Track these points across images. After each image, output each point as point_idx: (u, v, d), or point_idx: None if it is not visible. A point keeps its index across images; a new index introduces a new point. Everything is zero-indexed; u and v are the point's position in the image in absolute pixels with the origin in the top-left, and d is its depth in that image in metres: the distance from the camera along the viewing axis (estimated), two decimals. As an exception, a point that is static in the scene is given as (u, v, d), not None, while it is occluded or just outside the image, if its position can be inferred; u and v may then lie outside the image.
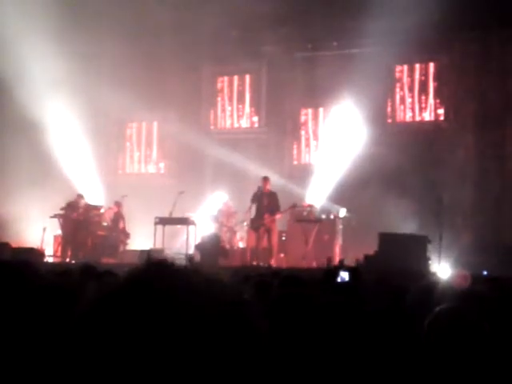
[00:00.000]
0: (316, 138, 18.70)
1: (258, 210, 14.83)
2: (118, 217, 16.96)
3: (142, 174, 20.55)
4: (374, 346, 1.88)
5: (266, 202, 14.78)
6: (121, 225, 16.87)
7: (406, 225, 13.95)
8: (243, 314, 1.07)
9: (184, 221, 16.12)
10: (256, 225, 14.81)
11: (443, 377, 1.93)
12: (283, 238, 15.64)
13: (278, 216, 14.81)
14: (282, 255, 15.41)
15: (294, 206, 15.14)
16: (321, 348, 1.82)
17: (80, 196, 17.15)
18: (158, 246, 15.57)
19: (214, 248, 15.07)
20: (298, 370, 1.81)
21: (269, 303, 2.28)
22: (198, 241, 15.68)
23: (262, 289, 3.96)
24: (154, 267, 1.11)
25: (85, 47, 17.83)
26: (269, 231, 14.74)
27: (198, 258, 15.13)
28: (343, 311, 1.90)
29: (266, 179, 15.01)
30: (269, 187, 14.92)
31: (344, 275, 4.48)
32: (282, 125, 18.80)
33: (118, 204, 17.00)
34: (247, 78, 19.50)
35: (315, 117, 18.73)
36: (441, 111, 17.44)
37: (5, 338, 1.65)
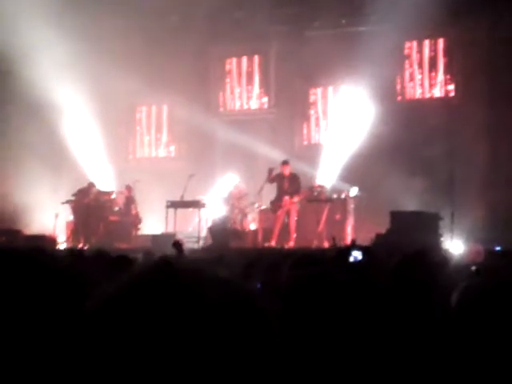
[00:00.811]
0: (326, 117, 18.63)
1: (277, 192, 14.95)
2: (129, 201, 16.99)
3: (152, 158, 20.55)
4: (390, 323, 1.86)
5: (286, 185, 14.85)
6: (132, 209, 16.90)
7: (418, 202, 13.90)
8: (249, 314, 1.06)
9: (195, 204, 16.14)
10: (274, 207, 14.87)
11: (472, 353, 1.91)
12: (294, 219, 15.65)
13: (296, 199, 14.84)
14: (293, 236, 15.41)
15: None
16: (336, 327, 1.80)
17: (91, 184, 17.21)
18: (170, 229, 15.60)
19: (225, 230, 15.10)
20: (312, 352, 1.79)
21: (280, 284, 2.27)
22: (210, 223, 15.72)
23: (274, 270, 3.95)
24: (156, 270, 1.10)
25: (94, 31, 17.79)
26: (288, 213, 14.80)
27: (209, 240, 15.19)
28: (357, 289, 1.88)
29: (284, 163, 15.05)
30: (288, 171, 14.93)
31: (356, 254, 4.46)
32: (291, 105, 18.73)
33: (128, 188, 17.04)
34: (256, 58, 19.41)
35: (324, 96, 18.64)
36: (451, 87, 17.32)
37: (15, 326, 1.64)
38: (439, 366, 1.98)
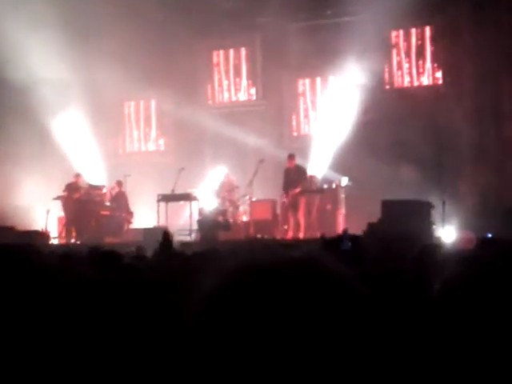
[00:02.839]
0: (314, 108, 18.63)
1: (284, 185, 15.27)
2: (121, 196, 16.97)
3: (142, 152, 20.53)
4: (375, 314, 1.87)
5: (290, 177, 15.04)
6: (124, 204, 16.89)
7: (409, 191, 13.93)
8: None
9: (186, 197, 16.16)
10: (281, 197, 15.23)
11: (456, 339, 1.93)
12: (303, 211, 15.66)
13: (297, 190, 14.97)
14: (285, 227, 15.45)
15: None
16: (323, 317, 1.82)
17: (78, 175, 17.23)
18: (162, 223, 15.61)
19: (213, 223, 15.13)
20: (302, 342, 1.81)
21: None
22: (198, 216, 15.76)
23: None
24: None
25: (81, 27, 17.73)
26: (294, 206, 14.95)
27: (198, 233, 15.23)
28: (343, 280, 1.89)
29: (289, 157, 15.24)
30: (293, 164, 15.12)
31: (346, 244, 4.49)
32: (279, 96, 18.73)
33: (119, 183, 17.02)
34: (243, 50, 19.39)
35: (313, 87, 18.64)
36: (439, 75, 17.34)
37: (7, 323, 1.65)
38: (423, 357, 2.00)
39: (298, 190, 15.00)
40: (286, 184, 15.15)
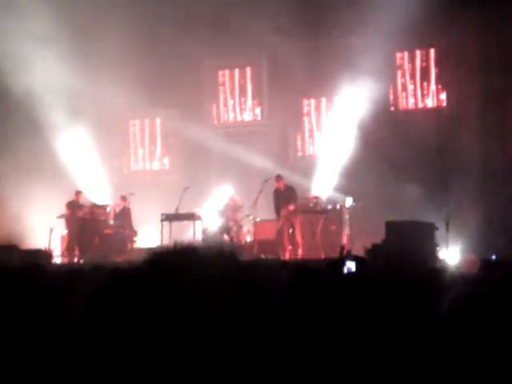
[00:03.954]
0: (319, 128, 18.66)
1: (276, 207, 15.27)
2: (125, 212, 16.94)
3: (146, 171, 20.54)
4: (382, 334, 1.87)
5: (281, 198, 15.04)
6: (127, 220, 16.84)
7: (413, 212, 13.90)
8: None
9: (190, 216, 16.13)
10: (277, 219, 15.20)
11: (462, 360, 1.92)
12: (290, 231, 15.67)
13: (291, 207, 14.98)
14: (289, 247, 15.42)
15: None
16: (329, 338, 1.81)
17: (79, 192, 17.23)
18: (166, 242, 15.57)
19: (218, 241, 15.10)
20: (307, 361, 1.80)
21: (278, 295, 2.28)
22: (202, 236, 15.75)
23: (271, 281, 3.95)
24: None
25: (88, 46, 17.81)
26: (292, 226, 14.94)
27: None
28: (350, 301, 1.89)
29: (276, 178, 15.29)
30: (281, 185, 15.14)
31: (350, 265, 4.46)
32: (284, 116, 18.75)
33: (123, 198, 17.01)
34: (248, 70, 19.46)
35: (318, 107, 18.68)
36: (443, 96, 17.37)
37: (12, 344, 1.64)
38: (429, 372, 1.99)
39: (291, 207, 15.00)
40: (277, 206, 15.20)
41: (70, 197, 17.17)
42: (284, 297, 1.93)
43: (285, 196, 15.17)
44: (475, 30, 16.58)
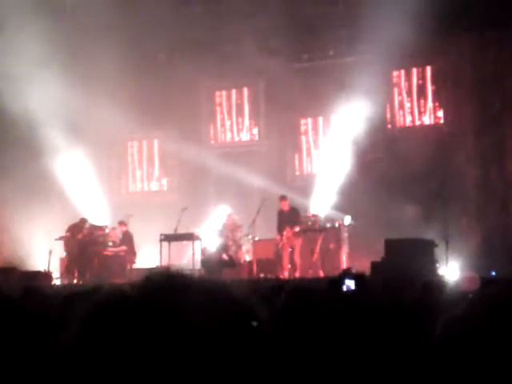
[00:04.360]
0: (317, 147, 18.70)
1: (278, 227, 15.21)
2: (127, 237, 16.91)
3: (145, 192, 20.56)
4: (380, 353, 1.87)
5: (285, 218, 15.02)
6: (128, 244, 16.82)
7: (412, 230, 13.92)
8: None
9: (189, 236, 16.13)
10: (279, 239, 15.16)
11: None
12: (289, 249, 15.66)
13: (297, 229, 14.96)
14: (288, 266, 15.41)
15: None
16: (328, 358, 1.81)
17: (83, 220, 17.21)
18: (165, 262, 15.56)
19: (217, 262, 15.11)
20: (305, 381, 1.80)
21: (275, 315, 2.28)
22: (201, 256, 15.75)
23: (269, 301, 3.95)
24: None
25: (85, 69, 17.86)
26: (293, 247, 14.94)
27: (202, 273, 15.19)
28: (349, 321, 1.89)
29: (281, 199, 15.27)
30: (286, 206, 15.11)
31: (349, 283, 4.46)
32: (282, 136, 18.81)
33: (123, 223, 16.99)
34: (245, 90, 19.53)
35: (315, 126, 18.73)
36: (440, 114, 17.43)
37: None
38: None
39: (296, 229, 14.98)
40: (281, 225, 15.16)
41: (69, 218, 17.17)
42: (280, 318, 1.93)
43: (288, 217, 15.13)
44: (472, 48, 16.67)
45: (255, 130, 19.49)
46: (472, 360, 1.86)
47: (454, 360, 1.89)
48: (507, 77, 16.30)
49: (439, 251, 12.82)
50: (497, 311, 2.14)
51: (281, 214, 15.32)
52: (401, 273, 9.46)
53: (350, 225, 15.92)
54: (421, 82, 17.56)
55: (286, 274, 14.80)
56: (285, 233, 15.01)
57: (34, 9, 16.81)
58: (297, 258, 15.02)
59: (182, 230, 16.01)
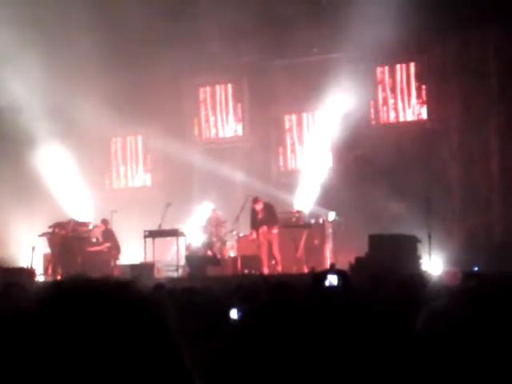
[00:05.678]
0: (301, 143, 18.72)
1: (252, 224, 15.19)
2: (108, 234, 16.85)
3: (128, 188, 20.51)
4: (365, 350, 1.87)
5: (260, 215, 15.00)
6: (111, 242, 16.76)
7: (396, 225, 13.98)
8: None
9: (173, 232, 16.11)
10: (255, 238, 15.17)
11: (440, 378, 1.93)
12: (277, 246, 15.68)
13: (275, 230, 14.98)
14: (272, 262, 15.43)
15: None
16: (310, 354, 1.82)
17: (72, 220, 17.12)
18: (149, 259, 15.54)
19: (201, 258, 15.11)
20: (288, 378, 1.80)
21: (257, 311, 2.28)
22: (186, 252, 15.74)
23: (252, 297, 3.96)
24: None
25: (67, 64, 17.76)
26: (270, 242, 14.92)
27: (187, 269, 15.19)
28: (331, 316, 1.89)
29: (254, 201, 15.18)
30: (259, 207, 15.06)
31: (332, 279, 4.47)
32: (266, 132, 18.82)
33: (105, 222, 16.91)
34: (229, 87, 19.51)
35: (299, 122, 18.75)
36: (424, 111, 17.50)
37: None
38: None
39: (274, 231, 14.98)
40: (254, 223, 15.12)
41: (52, 214, 17.09)
42: (261, 313, 1.93)
43: (264, 216, 15.07)
44: (456, 46, 16.74)
45: (239, 127, 19.48)
46: (454, 351, 1.88)
47: (437, 351, 1.90)
48: (491, 74, 16.38)
49: (422, 247, 12.90)
50: (476, 303, 2.16)
51: (254, 212, 15.22)
52: (385, 268, 9.50)
53: (334, 221, 15.97)
54: (405, 78, 17.62)
55: (265, 270, 14.79)
56: (260, 231, 14.98)
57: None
58: (276, 252, 15.01)
59: (166, 226, 16.00)
